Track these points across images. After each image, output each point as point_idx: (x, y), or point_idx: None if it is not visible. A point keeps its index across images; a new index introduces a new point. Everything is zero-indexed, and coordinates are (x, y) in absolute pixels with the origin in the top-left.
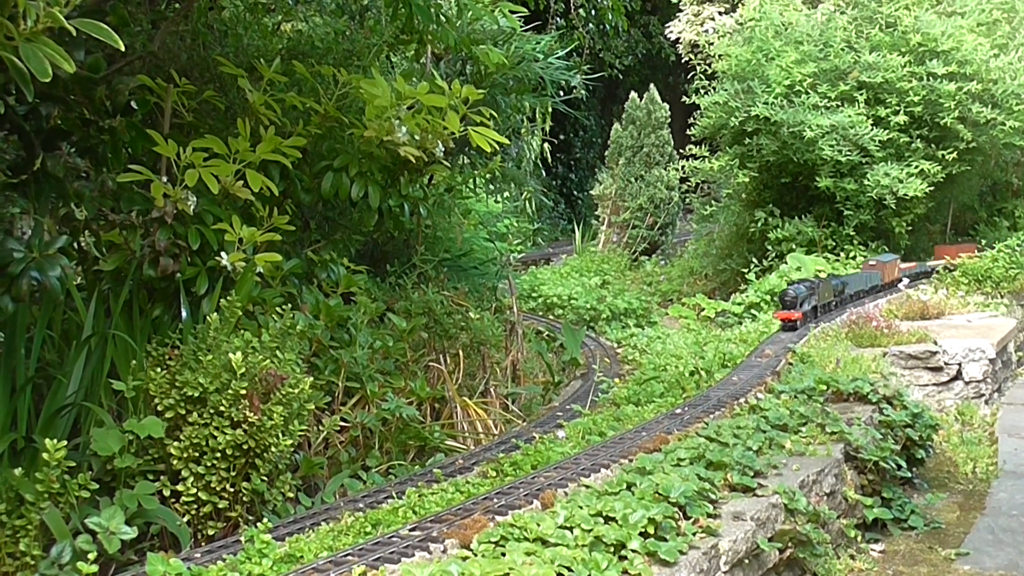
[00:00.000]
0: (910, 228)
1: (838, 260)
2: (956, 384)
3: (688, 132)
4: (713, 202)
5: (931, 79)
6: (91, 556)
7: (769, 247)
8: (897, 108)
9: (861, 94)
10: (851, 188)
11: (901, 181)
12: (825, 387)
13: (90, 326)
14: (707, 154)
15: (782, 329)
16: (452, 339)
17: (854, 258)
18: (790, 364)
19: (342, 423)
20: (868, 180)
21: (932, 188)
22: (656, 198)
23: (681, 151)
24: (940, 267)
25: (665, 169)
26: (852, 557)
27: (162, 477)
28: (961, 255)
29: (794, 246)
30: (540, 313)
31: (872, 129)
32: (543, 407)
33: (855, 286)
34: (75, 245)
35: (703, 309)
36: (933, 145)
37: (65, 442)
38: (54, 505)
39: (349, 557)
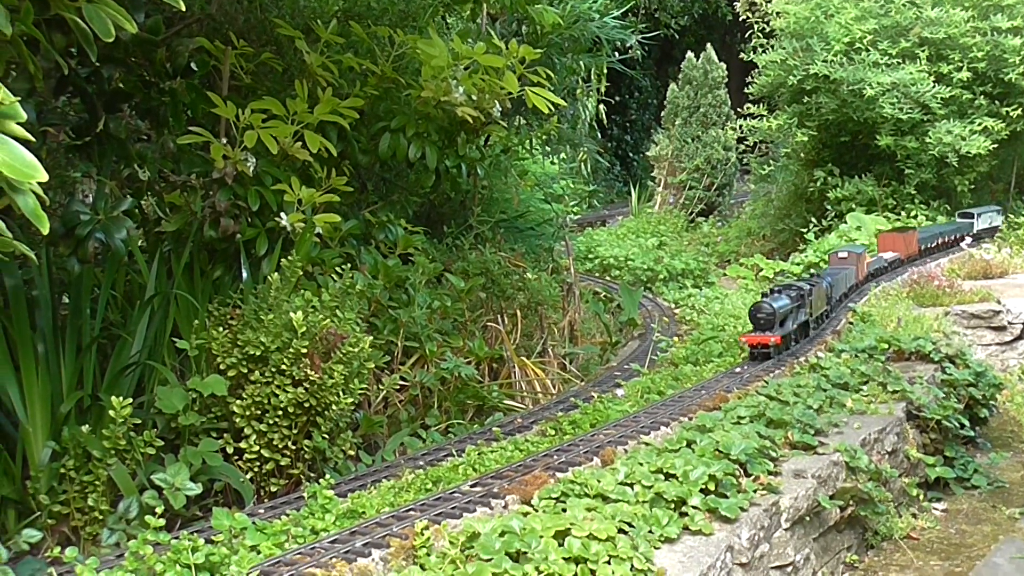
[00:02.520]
0: (972, 187)
1: (899, 219)
2: (1020, 343)
3: (745, 91)
4: (771, 162)
5: (995, 34)
6: (158, 511)
7: (828, 207)
8: (960, 64)
9: (923, 50)
10: (912, 146)
11: (964, 139)
12: (887, 346)
13: (153, 287)
14: (765, 113)
15: (750, 358)
16: (509, 299)
17: (915, 217)
18: (851, 323)
19: (401, 382)
20: (930, 138)
21: (996, 146)
22: (713, 159)
23: (738, 110)
24: (896, 260)
25: (722, 129)
26: (914, 516)
27: (225, 435)
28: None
29: (854, 206)
30: (597, 274)
31: (934, 86)
32: (601, 367)
33: (839, 287)
34: (137, 207)
35: (761, 269)
36: (997, 102)
37: (130, 400)
38: (121, 461)
39: (411, 512)
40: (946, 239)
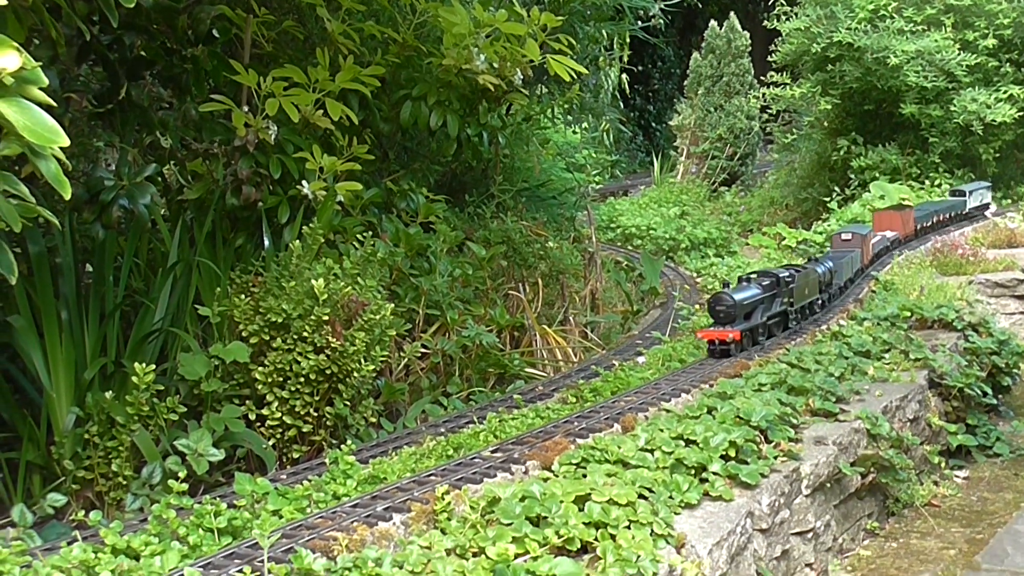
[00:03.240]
0: (998, 155)
1: (923, 188)
2: None
3: (769, 60)
4: (794, 131)
5: (1021, 0)
6: (181, 475)
7: (852, 175)
8: (986, 31)
9: (948, 18)
10: (937, 115)
11: (989, 107)
12: (909, 314)
13: (175, 254)
14: (788, 81)
15: (709, 355)
16: (531, 268)
17: (939, 186)
18: (873, 292)
19: (423, 350)
20: (955, 106)
21: (1021, 114)
22: (736, 128)
23: (761, 79)
24: (896, 239)
25: (745, 98)
26: (935, 483)
27: (247, 401)
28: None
29: (877, 174)
30: (619, 244)
31: (959, 54)
32: (622, 335)
33: (843, 272)
34: (160, 175)
35: (784, 238)
36: (1023, 69)
37: (153, 366)
38: (144, 427)
39: (432, 477)
40: (940, 217)
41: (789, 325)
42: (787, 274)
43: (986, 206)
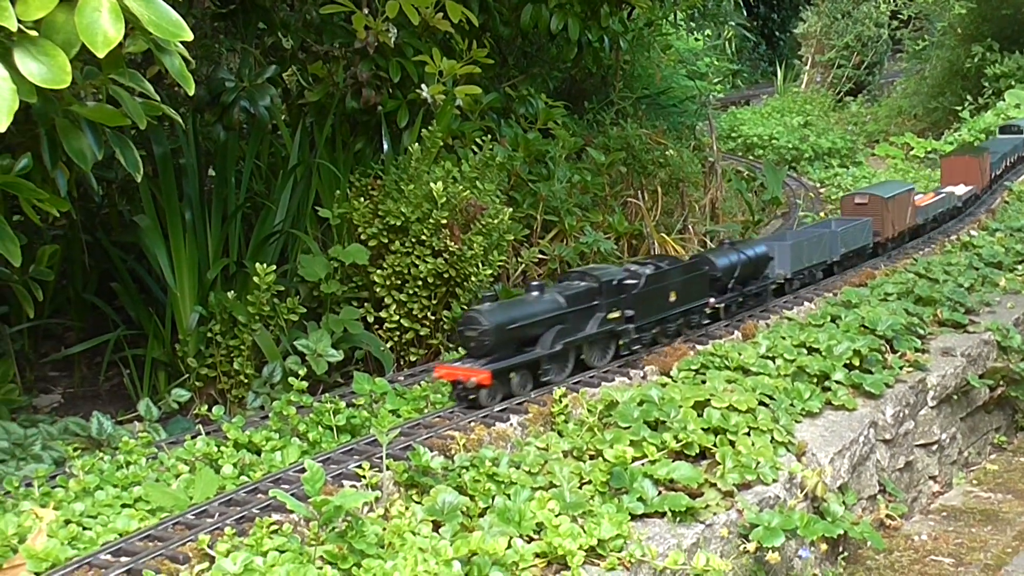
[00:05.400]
0: None
1: None
2: None
3: None
4: (925, 37)
5: None
6: (301, 374)
7: (986, 84)
8: None
9: None
10: None
11: None
12: None
13: (295, 157)
14: None
15: (455, 397)
16: (650, 176)
17: None
18: (1006, 202)
19: (540, 256)
20: None
21: None
22: (863, 36)
23: None
24: (971, 195)
25: (874, 5)
26: None
27: (366, 304)
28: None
29: (1013, 82)
30: (740, 153)
31: None
32: None
33: (806, 255)
34: (280, 78)
35: (912, 148)
36: None
37: (274, 267)
38: (265, 327)
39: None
40: (1010, 161)
41: (621, 352)
42: (623, 275)
43: None
